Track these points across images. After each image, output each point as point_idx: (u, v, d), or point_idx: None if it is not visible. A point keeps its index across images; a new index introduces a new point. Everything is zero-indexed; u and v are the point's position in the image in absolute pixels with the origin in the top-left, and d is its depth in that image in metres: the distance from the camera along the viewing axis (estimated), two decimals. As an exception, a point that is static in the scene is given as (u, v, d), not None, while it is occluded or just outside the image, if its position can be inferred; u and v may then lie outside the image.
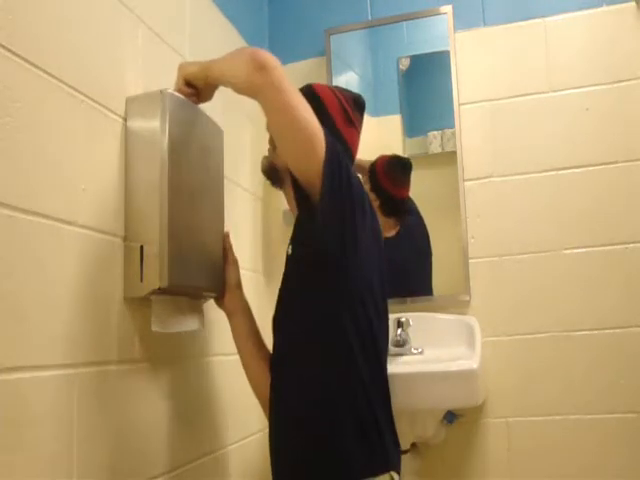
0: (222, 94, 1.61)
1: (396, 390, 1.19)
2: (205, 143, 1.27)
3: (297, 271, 1.18)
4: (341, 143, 1.17)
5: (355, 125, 1.27)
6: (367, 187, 1.73)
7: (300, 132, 1.05)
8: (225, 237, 1.31)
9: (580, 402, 1.62)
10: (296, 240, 1.20)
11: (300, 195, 1.12)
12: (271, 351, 1.24)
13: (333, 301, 1.10)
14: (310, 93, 1.22)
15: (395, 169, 1.83)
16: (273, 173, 1.32)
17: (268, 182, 1.37)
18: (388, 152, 1.88)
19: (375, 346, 1.14)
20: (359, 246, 1.11)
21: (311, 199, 1.08)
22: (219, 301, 1.31)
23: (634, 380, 1.59)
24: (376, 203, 1.71)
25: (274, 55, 1.08)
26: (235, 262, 1.32)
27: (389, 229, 1.78)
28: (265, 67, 1.04)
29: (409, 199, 1.82)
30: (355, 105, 1.29)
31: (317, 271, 1.11)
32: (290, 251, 1.20)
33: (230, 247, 1.32)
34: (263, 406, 1.28)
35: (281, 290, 1.22)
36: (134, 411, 1.12)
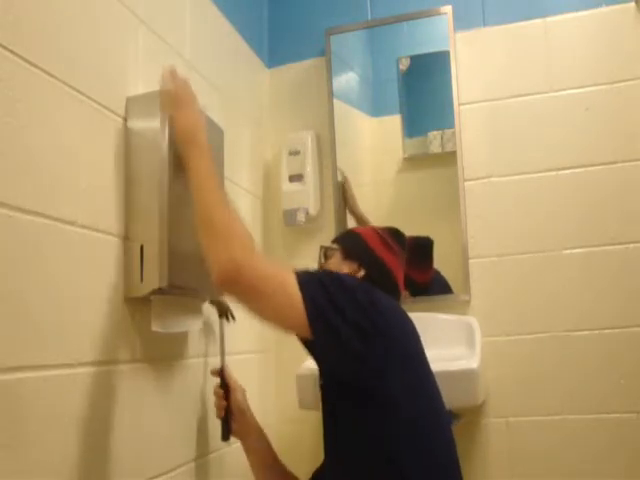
0: (222, 94, 1.61)
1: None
2: (205, 143, 1.27)
3: (337, 404, 1.14)
4: (382, 269, 1.23)
5: (395, 251, 1.28)
6: None
7: (281, 318, 1.06)
8: (225, 372, 1.32)
9: (580, 402, 1.62)
10: (324, 374, 1.19)
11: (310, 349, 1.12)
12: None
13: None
14: (352, 234, 1.34)
15: (418, 254, 1.73)
16: None
17: None
18: (389, 152, 1.88)
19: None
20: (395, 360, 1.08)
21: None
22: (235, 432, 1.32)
23: (634, 380, 1.59)
24: (405, 292, 1.64)
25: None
26: (240, 387, 1.33)
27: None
28: (233, 281, 1.01)
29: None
30: (394, 236, 1.31)
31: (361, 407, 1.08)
32: (322, 382, 1.19)
33: (231, 376, 1.33)
34: None
35: (326, 424, 1.18)
36: (134, 411, 1.12)
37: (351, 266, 1.25)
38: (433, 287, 1.80)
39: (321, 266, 1.32)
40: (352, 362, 1.06)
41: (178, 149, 1.11)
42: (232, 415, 1.30)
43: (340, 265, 1.26)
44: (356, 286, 1.11)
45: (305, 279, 1.05)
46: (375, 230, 1.32)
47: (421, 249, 1.76)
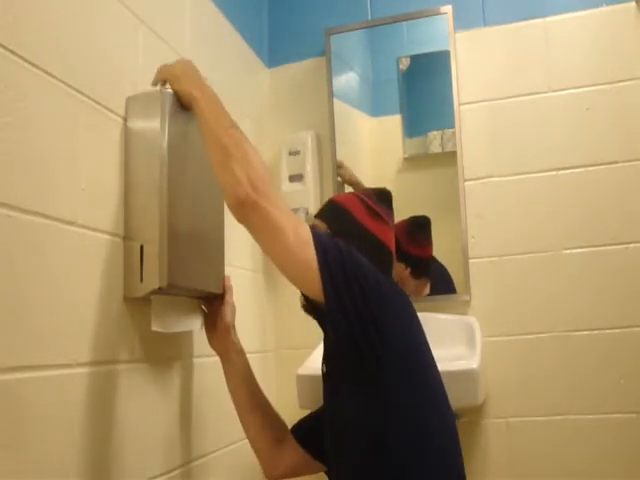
0: (222, 94, 1.61)
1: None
2: (205, 143, 1.27)
3: (337, 390, 1.14)
4: (373, 242, 1.18)
5: (382, 218, 1.23)
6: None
7: (289, 259, 1.04)
8: (226, 280, 1.29)
9: (580, 402, 1.62)
10: (327, 357, 1.19)
11: (314, 307, 1.12)
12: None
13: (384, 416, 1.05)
14: (334, 207, 1.25)
15: (415, 230, 1.77)
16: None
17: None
18: (389, 152, 1.88)
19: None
20: (391, 335, 1.07)
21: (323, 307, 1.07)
22: (211, 341, 1.29)
23: (634, 380, 1.59)
24: (406, 271, 1.72)
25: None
26: (232, 304, 1.28)
27: (422, 289, 1.79)
28: (246, 206, 1.01)
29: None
30: (379, 198, 1.26)
31: (356, 383, 1.08)
32: (325, 369, 1.19)
33: (230, 289, 1.29)
34: (261, 459, 1.27)
35: (326, 414, 1.18)
36: (134, 411, 1.12)
37: None
38: (434, 276, 1.80)
39: None
40: (354, 323, 1.04)
41: (185, 101, 1.14)
42: (215, 328, 1.26)
43: None
44: (367, 265, 1.09)
45: (320, 235, 1.07)
46: (358, 197, 1.25)
47: (419, 227, 1.78)
